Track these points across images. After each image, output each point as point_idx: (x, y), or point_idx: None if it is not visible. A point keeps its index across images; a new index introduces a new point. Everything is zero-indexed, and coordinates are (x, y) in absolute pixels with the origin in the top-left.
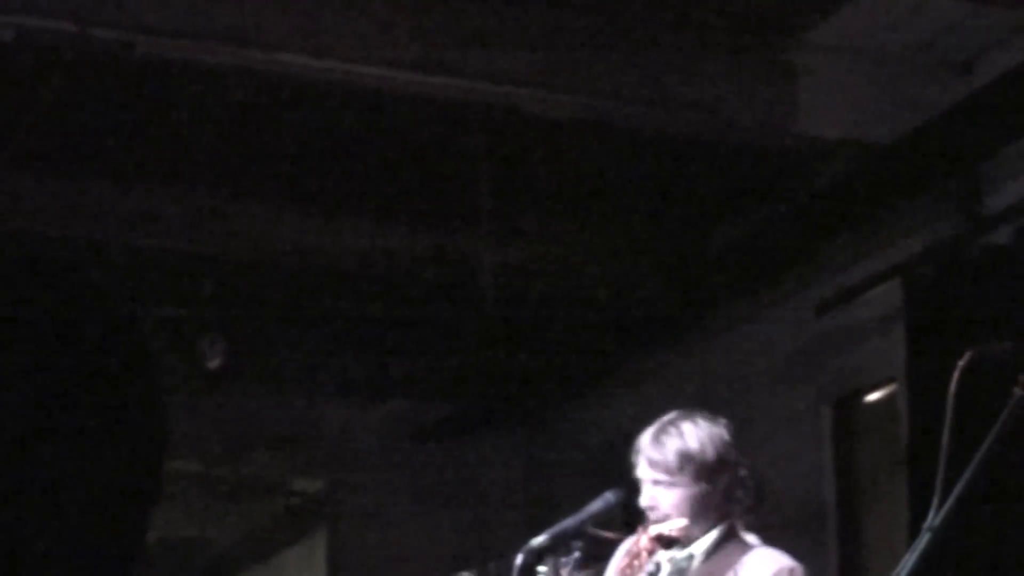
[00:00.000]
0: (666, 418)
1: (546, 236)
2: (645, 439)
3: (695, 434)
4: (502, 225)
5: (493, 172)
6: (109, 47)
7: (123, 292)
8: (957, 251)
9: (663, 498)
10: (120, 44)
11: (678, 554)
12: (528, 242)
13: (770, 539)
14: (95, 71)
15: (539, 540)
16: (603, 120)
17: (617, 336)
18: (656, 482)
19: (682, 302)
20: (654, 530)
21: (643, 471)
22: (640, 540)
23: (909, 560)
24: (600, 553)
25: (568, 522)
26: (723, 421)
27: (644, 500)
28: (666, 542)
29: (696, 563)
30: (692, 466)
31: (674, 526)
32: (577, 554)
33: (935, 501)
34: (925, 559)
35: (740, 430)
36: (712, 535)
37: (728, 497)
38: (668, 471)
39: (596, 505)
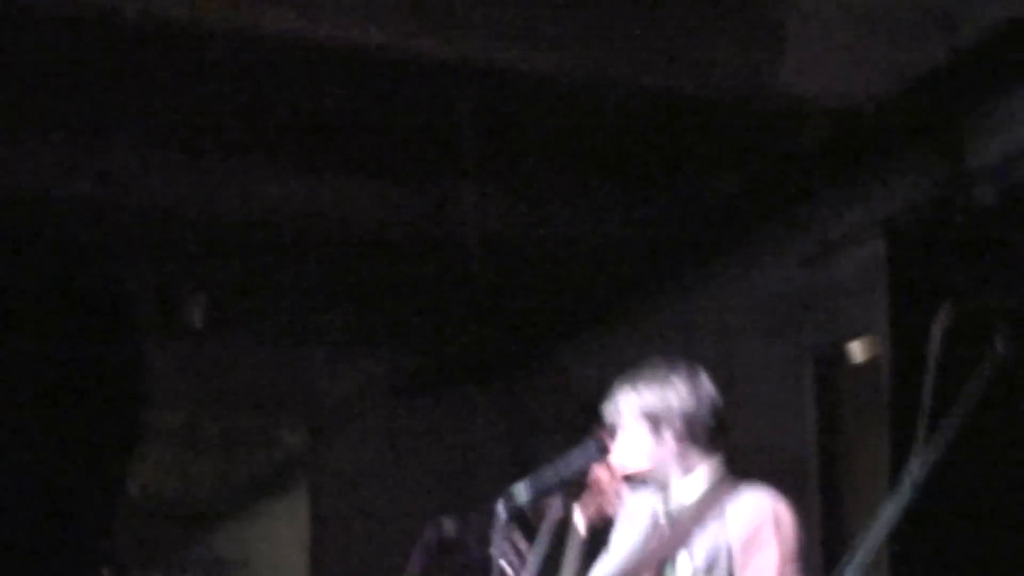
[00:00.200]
0: (644, 366)
1: (529, 191)
2: (622, 386)
3: (671, 382)
4: (485, 180)
5: (477, 127)
6: (96, 8)
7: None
8: (940, 208)
9: (637, 445)
10: (109, 6)
11: (669, 498)
12: (511, 197)
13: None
14: (78, 30)
15: (524, 497)
16: (588, 77)
17: (600, 290)
18: (631, 429)
19: (666, 256)
20: (616, 468)
21: (619, 417)
22: (602, 476)
23: (889, 512)
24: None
25: (548, 473)
26: (699, 368)
27: (619, 447)
28: (630, 480)
29: (686, 506)
30: (669, 413)
31: (634, 465)
32: (558, 503)
33: (915, 454)
34: (905, 512)
35: (722, 384)
36: (700, 478)
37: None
38: (644, 418)
39: (576, 455)
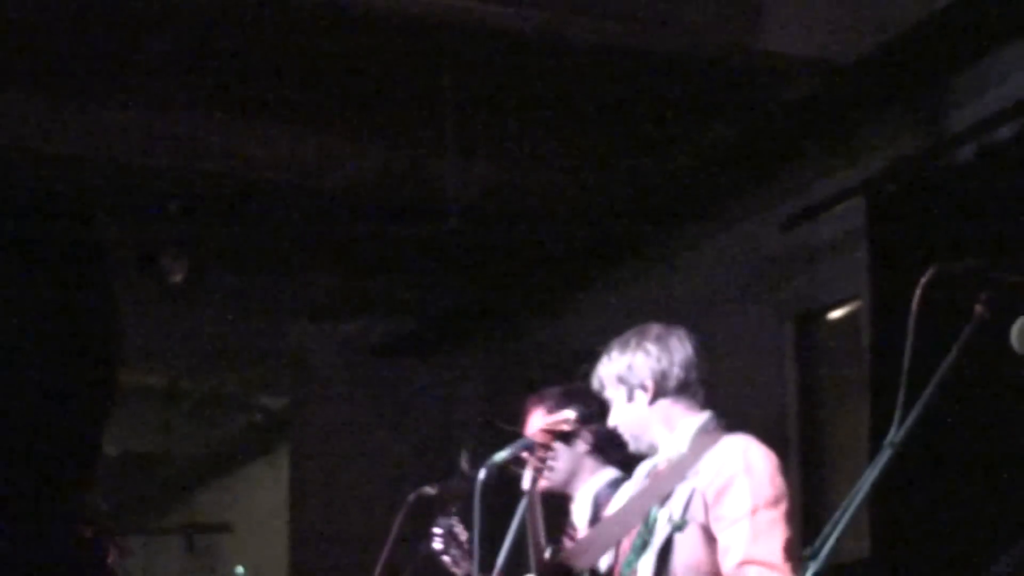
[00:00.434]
0: (631, 331)
1: (510, 153)
2: (601, 355)
3: (642, 346)
4: (466, 142)
5: (457, 88)
6: None
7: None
8: (921, 169)
9: (618, 409)
10: None
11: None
12: (492, 159)
13: None
14: None
15: (501, 455)
16: (567, 36)
17: (581, 253)
18: (611, 395)
19: (646, 218)
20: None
21: (601, 385)
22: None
23: (870, 475)
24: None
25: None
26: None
27: (612, 418)
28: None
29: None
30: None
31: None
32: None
33: (896, 417)
34: (886, 474)
35: (703, 345)
36: (684, 433)
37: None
38: (619, 383)
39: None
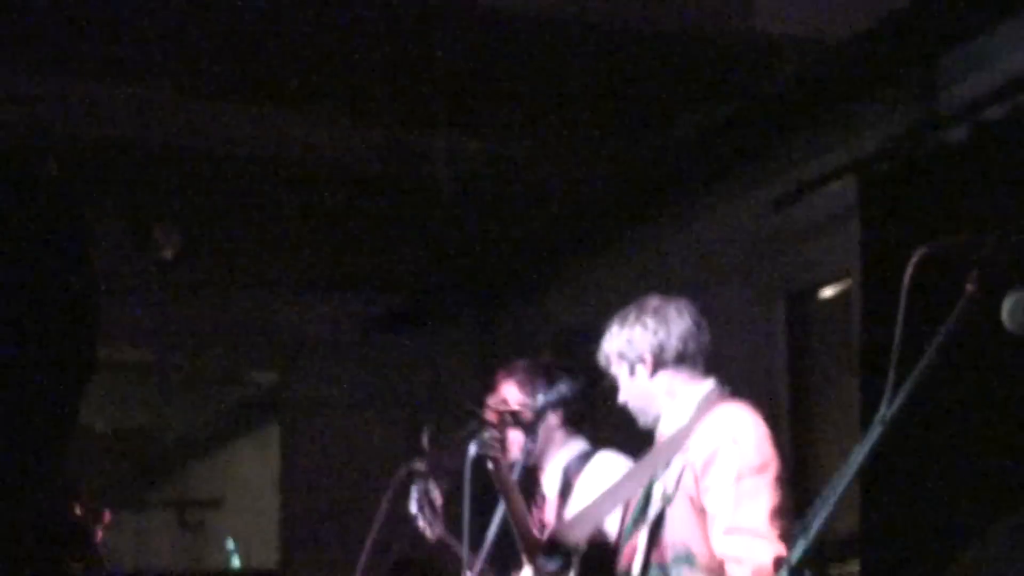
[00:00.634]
0: (631, 305)
1: (502, 130)
2: (603, 332)
3: (640, 320)
4: (457, 119)
5: (449, 66)
6: None
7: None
8: (912, 148)
9: (622, 384)
10: None
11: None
12: (484, 136)
13: None
14: None
15: (491, 433)
16: (559, 14)
17: (572, 229)
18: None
19: (638, 196)
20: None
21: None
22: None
23: (860, 452)
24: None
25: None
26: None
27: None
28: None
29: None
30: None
31: (628, 403)
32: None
33: (887, 395)
34: (876, 452)
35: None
36: (687, 403)
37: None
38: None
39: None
